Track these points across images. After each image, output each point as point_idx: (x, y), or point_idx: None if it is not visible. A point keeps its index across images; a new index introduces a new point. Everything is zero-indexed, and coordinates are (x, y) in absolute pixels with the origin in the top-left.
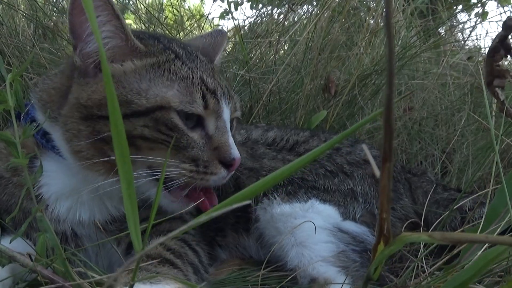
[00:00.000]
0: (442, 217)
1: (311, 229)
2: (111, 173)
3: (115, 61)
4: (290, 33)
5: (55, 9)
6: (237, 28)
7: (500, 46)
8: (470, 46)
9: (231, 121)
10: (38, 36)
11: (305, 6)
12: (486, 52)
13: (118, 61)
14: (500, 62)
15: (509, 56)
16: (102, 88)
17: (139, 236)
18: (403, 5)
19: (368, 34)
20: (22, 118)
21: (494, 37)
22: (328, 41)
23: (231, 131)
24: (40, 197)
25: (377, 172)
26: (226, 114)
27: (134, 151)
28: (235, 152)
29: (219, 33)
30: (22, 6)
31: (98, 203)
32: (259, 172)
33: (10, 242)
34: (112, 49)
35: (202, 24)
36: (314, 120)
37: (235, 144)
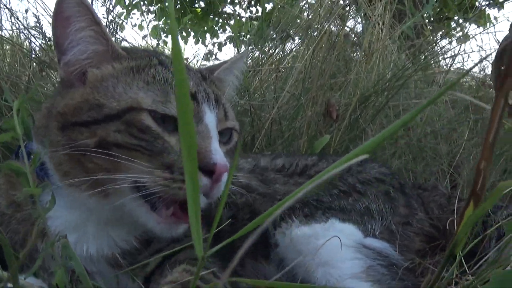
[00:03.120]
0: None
1: (335, 247)
2: (94, 191)
3: (94, 66)
4: (287, 60)
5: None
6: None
7: (509, 48)
8: (457, 68)
9: (226, 131)
10: (34, 72)
11: (297, 39)
12: (494, 56)
13: (97, 66)
14: None
15: None
16: (79, 94)
17: (201, 241)
18: (390, 30)
19: (363, 58)
20: (19, 152)
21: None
22: (327, 65)
23: (228, 140)
24: (45, 231)
25: None
26: (210, 118)
27: (112, 165)
28: (217, 157)
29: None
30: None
31: (104, 235)
32: (274, 197)
33: (25, 279)
34: (93, 54)
35: None
36: (317, 145)
37: (225, 154)
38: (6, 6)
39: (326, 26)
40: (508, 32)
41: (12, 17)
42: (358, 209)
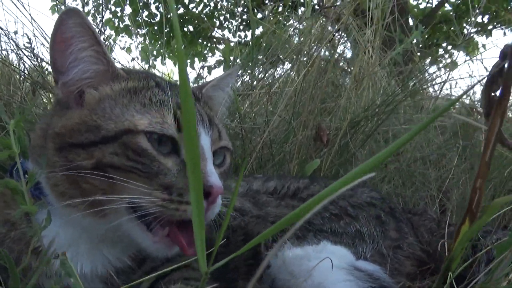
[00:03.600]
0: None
1: (328, 269)
2: (89, 211)
3: (93, 86)
4: (278, 84)
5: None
6: None
7: (497, 75)
8: (446, 94)
9: (219, 151)
10: (27, 92)
11: (286, 63)
12: (484, 83)
13: (96, 87)
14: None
15: None
16: (76, 116)
17: (205, 258)
18: (379, 56)
19: (353, 83)
20: (13, 171)
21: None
22: (317, 90)
23: (222, 163)
24: (40, 249)
25: None
26: (204, 140)
27: (109, 186)
28: (213, 180)
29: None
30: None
31: (98, 254)
32: (266, 219)
33: None
34: (94, 73)
35: None
36: (308, 169)
37: (220, 176)
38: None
39: (316, 51)
40: (498, 59)
41: (5, 37)
42: (350, 232)
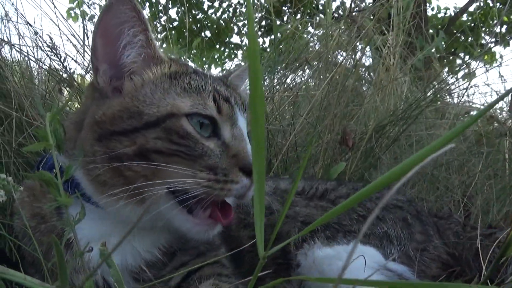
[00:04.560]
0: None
1: (359, 269)
2: (132, 199)
3: (137, 72)
4: (302, 88)
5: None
6: None
7: None
8: (466, 101)
9: (249, 134)
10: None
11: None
12: None
13: (140, 72)
14: None
15: None
16: (117, 103)
17: (263, 240)
18: (400, 62)
19: (376, 89)
20: (40, 166)
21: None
22: (343, 93)
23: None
24: (71, 242)
25: None
26: (242, 122)
27: (151, 172)
28: None
29: None
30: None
31: (128, 246)
32: (296, 219)
33: None
34: (144, 58)
35: None
36: (332, 172)
37: None
38: (29, 24)
39: (341, 57)
40: None
41: (35, 35)
42: (377, 234)
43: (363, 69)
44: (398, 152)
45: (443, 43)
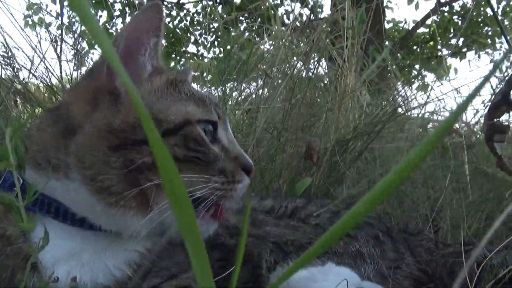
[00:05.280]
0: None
1: None
2: (143, 209)
3: (148, 79)
4: (259, 101)
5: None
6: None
7: (502, 101)
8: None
9: None
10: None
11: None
12: (487, 109)
13: (151, 80)
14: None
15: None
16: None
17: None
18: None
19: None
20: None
21: (496, 92)
22: (303, 106)
23: None
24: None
25: None
26: (229, 127)
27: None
28: (250, 160)
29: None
30: None
31: (99, 263)
32: (267, 239)
33: None
34: (153, 65)
35: None
36: (298, 187)
37: None
38: None
39: (294, 68)
40: (503, 86)
41: None
42: (350, 253)
43: (321, 82)
44: (362, 166)
45: (394, 55)
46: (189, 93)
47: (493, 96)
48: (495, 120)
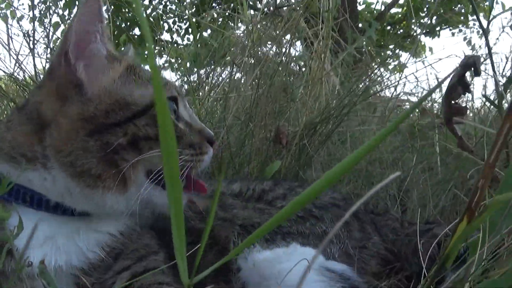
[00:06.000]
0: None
1: (299, 271)
2: (121, 188)
3: (109, 67)
4: (229, 87)
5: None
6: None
7: (457, 84)
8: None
9: None
10: None
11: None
12: (444, 91)
13: (110, 67)
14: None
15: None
16: (107, 96)
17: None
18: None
19: (306, 86)
20: None
21: (451, 75)
22: (273, 89)
23: None
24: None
25: None
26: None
27: (141, 159)
28: (211, 132)
29: None
30: None
31: (73, 246)
32: (234, 222)
33: None
34: (108, 52)
35: None
36: (268, 170)
37: None
38: None
39: (266, 52)
40: (458, 67)
41: None
42: (316, 234)
43: (293, 64)
44: (332, 148)
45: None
46: (147, 76)
47: (450, 79)
48: (453, 102)
